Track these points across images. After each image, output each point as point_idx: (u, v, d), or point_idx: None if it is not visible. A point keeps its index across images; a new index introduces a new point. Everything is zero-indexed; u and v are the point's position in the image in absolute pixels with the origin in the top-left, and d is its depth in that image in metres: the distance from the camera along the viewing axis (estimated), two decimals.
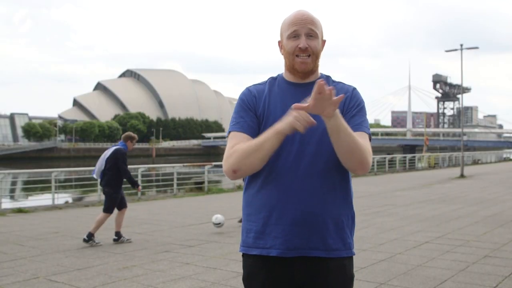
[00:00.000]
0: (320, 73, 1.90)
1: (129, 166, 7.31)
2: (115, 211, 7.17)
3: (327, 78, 1.89)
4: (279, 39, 1.88)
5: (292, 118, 1.63)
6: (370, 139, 1.82)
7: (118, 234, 6.96)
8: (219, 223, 7.65)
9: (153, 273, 5.18)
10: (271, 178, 1.77)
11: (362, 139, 1.73)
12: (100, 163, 7.14)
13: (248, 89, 1.90)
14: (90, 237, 6.75)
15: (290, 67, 1.84)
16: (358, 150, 1.69)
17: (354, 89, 1.88)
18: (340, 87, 1.86)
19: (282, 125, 1.67)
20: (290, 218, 1.74)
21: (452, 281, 4.65)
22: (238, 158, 1.71)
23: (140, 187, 7.55)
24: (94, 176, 7.36)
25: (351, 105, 1.84)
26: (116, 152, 7.07)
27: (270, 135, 1.68)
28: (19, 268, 5.47)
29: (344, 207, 1.81)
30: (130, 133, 7.48)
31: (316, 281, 1.77)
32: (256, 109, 1.84)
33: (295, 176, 1.75)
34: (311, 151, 1.76)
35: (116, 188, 7.09)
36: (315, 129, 1.74)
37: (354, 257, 1.86)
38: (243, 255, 1.87)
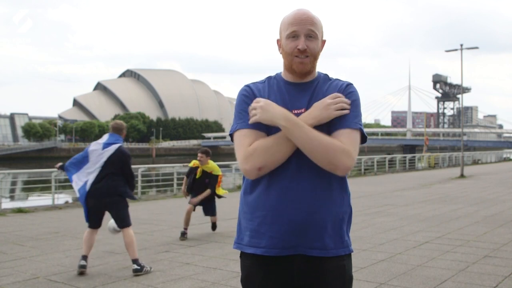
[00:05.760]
0: (318, 72, 1.88)
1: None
2: (85, 229, 5.48)
3: (325, 76, 1.89)
4: (278, 37, 1.87)
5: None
6: (362, 133, 1.77)
7: (86, 258, 5.24)
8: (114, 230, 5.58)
9: (153, 273, 5.18)
10: (268, 178, 1.76)
11: (342, 137, 1.71)
12: (92, 167, 5.33)
13: (248, 85, 1.88)
14: (140, 265, 5.17)
15: (288, 67, 1.83)
16: (321, 149, 1.68)
17: (348, 84, 1.84)
18: (335, 84, 1.85)
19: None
20: (287, 218, 1.73)
21: (452, 281, 4.65)
22: (263, 156, 1.71)
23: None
24: (86, 189, 5.27)
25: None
26: (124, 153, 5.45)
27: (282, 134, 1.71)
28: (19, 268, 5.46)
29: (341, 206, 1.80)
30: (120, 121, 5.71)
31: (316, 282, 1.76)
32: None
33: (292, 175, 1.74)
34: None
35: (129, 191, 5.56)
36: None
37: (354, 257, 1.86)
38: (241, 256, 1.86)
